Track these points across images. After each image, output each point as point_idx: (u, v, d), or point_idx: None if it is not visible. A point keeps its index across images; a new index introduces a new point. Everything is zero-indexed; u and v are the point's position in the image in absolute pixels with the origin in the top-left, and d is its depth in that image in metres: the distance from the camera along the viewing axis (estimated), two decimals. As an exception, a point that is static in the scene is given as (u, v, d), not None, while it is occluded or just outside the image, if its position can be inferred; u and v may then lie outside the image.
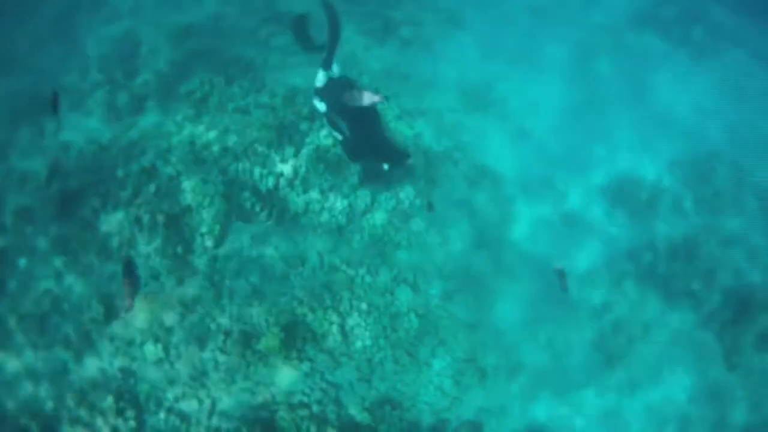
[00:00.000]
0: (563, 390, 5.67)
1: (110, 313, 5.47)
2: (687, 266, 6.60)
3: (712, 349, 6.28)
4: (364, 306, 5.02)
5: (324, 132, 5.36)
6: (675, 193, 7.10)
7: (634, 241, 6.64)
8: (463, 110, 6.53)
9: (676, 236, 6.78)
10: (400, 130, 5.91)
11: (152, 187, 5.33)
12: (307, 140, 5.36)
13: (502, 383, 5.47)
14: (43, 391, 5.46)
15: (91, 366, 5.48)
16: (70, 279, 5.66)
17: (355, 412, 4.97)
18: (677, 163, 7.37)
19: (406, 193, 5.44)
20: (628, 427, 5.75)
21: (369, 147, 4.47)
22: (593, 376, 5.88)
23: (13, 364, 5.53)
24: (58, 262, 5.73)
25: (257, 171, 5.17)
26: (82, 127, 6.05)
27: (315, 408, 4.94)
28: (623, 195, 6.91)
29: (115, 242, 5.50)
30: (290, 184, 5.24)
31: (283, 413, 4.98)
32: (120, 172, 5.53)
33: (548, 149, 6.85)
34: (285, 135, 5.37)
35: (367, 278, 5.14)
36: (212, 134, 5.33)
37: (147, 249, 5.31)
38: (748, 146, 7.73)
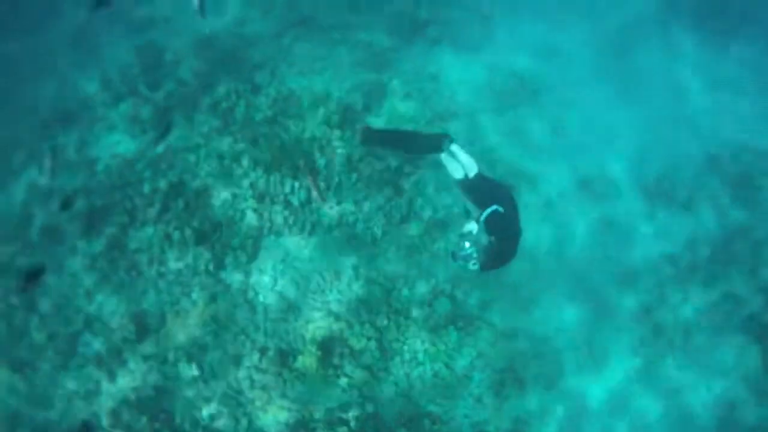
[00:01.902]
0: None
1: (142, 331, 5.41)
2: (727, 266, 6.37)
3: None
4: (402, 320, 4.87)
5: (354, 143, 5.20)
6: (713, 190, 6.85)
7: (674, 241, 6.42)
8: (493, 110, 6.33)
9: (716, 235, 6.54)
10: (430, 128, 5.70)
11: (181, 203, 5.21)
12: (339, 151, 5.23)
13: (541, 393, 5.30)
14: (77, 410, 5.44)
15: (125, 385, 5.43)
16: (100, 297, 5.60)
17: (394, 426, 4.83)
18: (714, 159, 7.09)
19: (443, 202, 5.28)
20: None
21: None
22: (632, 381, 5.68)
23: (43, 384, 5.52)
24: (88, 280, 5.68)
25: (288, 183, 5.05)
26: (106, 142, 6.00)
27: (354, 424, 4.81)
28: (661, 192, 6.67)
29: (144, 259, 5.42)
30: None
31: (321, 431, 4.87)
32: (147, 188, 5.44)
33: (583, 146, 6.59)
34: (315, 145, 5.25)
35: (405, 291, 5.00)
36: (241, 146, 5.21)
37: (177, 265, 5.22)
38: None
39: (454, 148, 4.41)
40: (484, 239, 4.34)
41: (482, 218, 4.22)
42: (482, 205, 4.29)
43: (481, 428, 5.06)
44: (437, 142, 4.40)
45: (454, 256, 4.25)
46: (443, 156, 4.44)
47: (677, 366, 5.92)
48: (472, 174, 4.39)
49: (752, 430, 5.89)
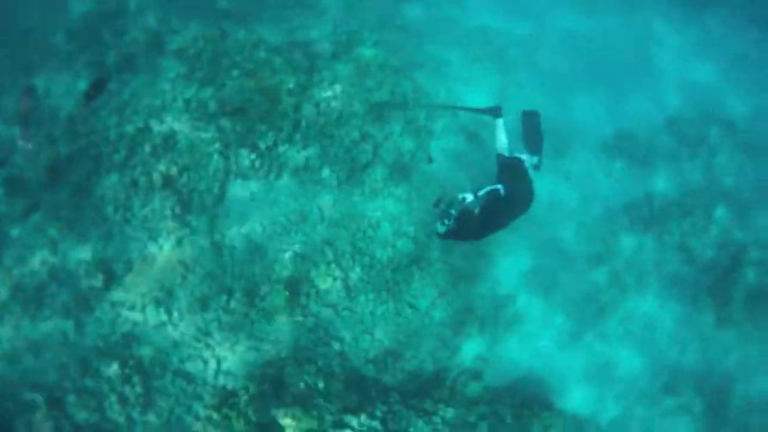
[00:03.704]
0: (558, 337, 5.74)
1: (109, 278, 5.40)
2: (681, 221, 6.71)
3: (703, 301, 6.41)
4: (366, 260, 5.00)
5: (324, 85, 5.23)
6: (671, 150, 7.14)
7: (630, 195, 6.68)
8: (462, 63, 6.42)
9: (671, 192, 6.85)
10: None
11: (147, 148, 5.20)
12: (306, 96, 5.21)
13: (500, 332, 5.54)
14: (45, 362, 5.42)
15: (93, 334, 5.43)
16: (65, 247, 5.56)
17: (359, 364, 5.00)
18: (674, 121, 7.39)
19: (408, 146, 5.39)
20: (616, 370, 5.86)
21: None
22: (586, 325, 5.97)
23: (11, 337, 5.47)
24: (52, 230, 5.61)
25: (255, 128, 5.05)
26: (71, 91, 5.87)
27: (320, 362, 4.95)
28: (621, 150, 6.92)
29: (110, 207, 5.39)
30: (289, 139, 5.16)
31: (289, 369, 4.99)
32: (112, 134, 5.38)
33: (546, 104, 6.78)
34: (283, 91, 5.24)
35: (369, 232, 5.11)
36: (208, 91, 5.18)
37: (143, 211, 5.21)
38: (743, 106, 7.77)
39: (499, 122, 4.65)
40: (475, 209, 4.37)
41: (481, 192, 4.30)
42: (499, 182, 4.41)
43: (441, 365, 5.26)
44: (495, 111, 4.76)
45: (436, 205, 4.28)
46: (498, 122, 4.67)
47: (627, 313, 6.23)
48: (507, 152, 4.59)
49: (698, 378, 6.25)
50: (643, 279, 6.31)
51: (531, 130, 4.82)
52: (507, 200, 4.32)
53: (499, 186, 4.32)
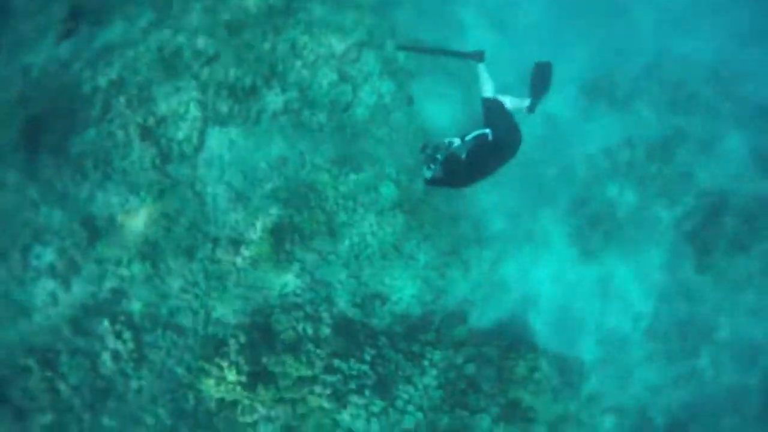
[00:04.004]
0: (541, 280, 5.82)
1: (93, 235, 5.37)
2: (663, 167, 6.73)
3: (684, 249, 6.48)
4: (350, 204, 4.99)
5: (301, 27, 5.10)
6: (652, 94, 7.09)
7: (612, 138, 6.66)
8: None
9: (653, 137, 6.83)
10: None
11: (122, 100, 5.09)
12: (281, 37, 5.11)
13: (484, 274, 5.59)
14: (36, 325, 5.43)
15: (81, 292, 5.43)
16: (46, 207, 5.51)
17: (346, 308, 5.06)
18: (653, 66, 7.31)
19: (387, 88, 5.31)
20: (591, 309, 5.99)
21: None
22: (569, 267, 6.04)
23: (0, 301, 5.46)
24: (32, 192, 5.54)
25: (232, 72, 4.98)
26: (39, 47, 5.70)
27: (308, 308, 5.00)
28: (601, 92, 6.83)
29: (89, 162, 5.31)
30: (266, 83, 5.07)
31: (278, 316, 5.04)
32: (86, 88, 5.26)
33: (525, 45, 6.65)
34: (258, 32, 5.11)
35: (352, 176, 5.08)
36: (180, 38, 5.06)
37: (123, 164, 5.14)
38: (725, 52, 7.71)
39: (482, 67, 4.57)
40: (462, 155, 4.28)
41: (468, 137, 4.21)
42: (486, 126, 4.33)
43: (428, 308, 5.35)
44: (478, 55, 4.65)
45: (422, 149, 4.18)
46: (481, 67, 4.58)
47: (611, 258, 6.28)
48: (492, 96, 4.48)
49: (679, 325, 6.38)
50: (624, 223, 6.39)
51: (539, 78, 4.71)
52: (495, 145, 4.25)
53: (487, 130, 4.24)
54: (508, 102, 4.53)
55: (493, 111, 4.43)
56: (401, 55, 5.33)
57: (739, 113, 7.15)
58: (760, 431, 6.25)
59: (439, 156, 4.08)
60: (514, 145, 4.36)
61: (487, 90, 4.55)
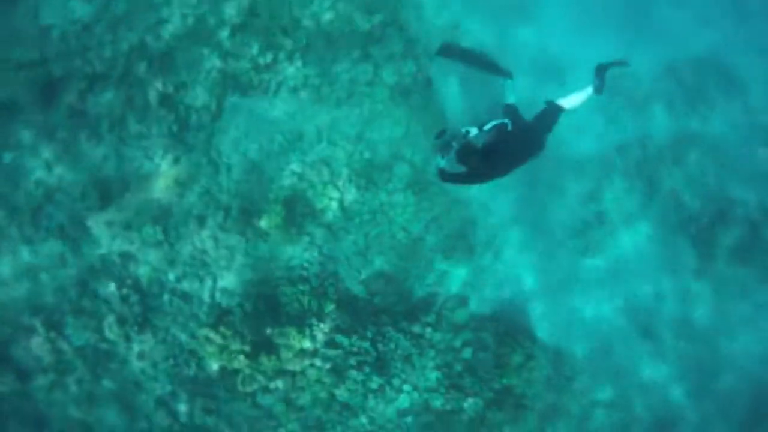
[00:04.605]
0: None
1: (105, 198, 5.41)
2: (673, 169, 6.78)
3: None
4: (362, 182, 5.05)
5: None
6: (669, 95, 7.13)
7: (625, 137, 6.68)
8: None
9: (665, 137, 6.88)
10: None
11: (143, 65, 5.12)
12: (306, 12, 5.12)
13: (488, 259, 5.66)
14: (43, 285, 5.47)
15: (90, 254, 5.47)
16: (60, 168, 5.54)
17: (351, 285, 5.13)
18: (674, 68, 7.35)
19: (408, 68, 5.32)
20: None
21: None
22: (572, 265, 6.07)
23: (7, 262, 5.49)
24: (46, 152, 5.58)
25: (255, 44, 4.99)
26: (61, 8, 5.71)
27: (314, 282, 5.07)
28: (619, 90, 6.85)
29: (105, 125, 5.35)
30: (289, 57, 5.08)
31: (284, 288, 5.11)
32: (107, 52, 5.29)
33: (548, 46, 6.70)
34: (285, 6, 5.12)
35: (366, 154, 5.14)
36: (205, 7, 5.06)
37: (139, 128, 5.19)
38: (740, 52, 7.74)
39: (509, 83, 4.81)
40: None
41: (487, 126, 4.13)
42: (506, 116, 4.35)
43: (431, 290, 5.42)
44: (507, 72, 4.92)
45: (439, 136, 4.15)
46: (508, 83, 4.83)
47: (611, 253, 6.30)
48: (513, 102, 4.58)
49: (675, 321, 6.46)
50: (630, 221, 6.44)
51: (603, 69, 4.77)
52: (514, 138, 4.15)
53: (507, 120, 4.19)
54: (572, 100, 4.55)
55: (514, 114, 4.43)
56: (422, 38, 5.35)
57: (754, 121, 7.23)
58: None
59: (454, 144, 4.04)
60: (534, 146, 4.31)
61: (510, 98, 4.67)
